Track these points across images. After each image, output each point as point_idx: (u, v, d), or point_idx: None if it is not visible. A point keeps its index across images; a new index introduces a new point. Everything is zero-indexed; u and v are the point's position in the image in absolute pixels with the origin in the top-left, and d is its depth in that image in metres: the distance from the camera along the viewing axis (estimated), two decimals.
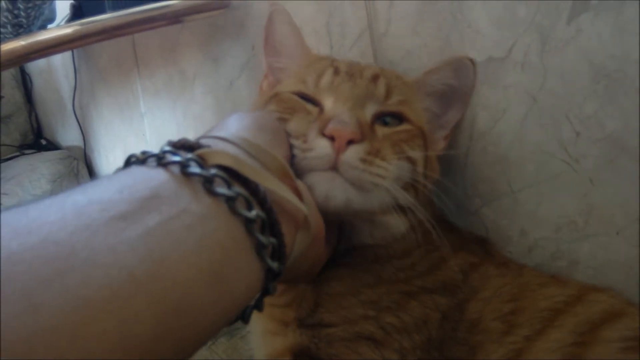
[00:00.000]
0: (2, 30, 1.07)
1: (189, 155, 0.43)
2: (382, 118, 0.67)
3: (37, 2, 1.11)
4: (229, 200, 0.42)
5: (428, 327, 0.63)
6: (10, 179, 2.19)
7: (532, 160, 0.70)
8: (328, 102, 0.67)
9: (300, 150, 0.62)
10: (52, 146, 2.57)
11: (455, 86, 0.73)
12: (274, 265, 0.45)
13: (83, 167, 2.34)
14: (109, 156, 2.15)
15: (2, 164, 2.37)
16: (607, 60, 0.61)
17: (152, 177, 0.41)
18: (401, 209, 0.65)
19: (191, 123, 1.48)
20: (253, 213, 0.43)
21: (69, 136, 2.43)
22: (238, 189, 0.43)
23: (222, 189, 0.42)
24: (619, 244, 0.65)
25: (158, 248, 0.36)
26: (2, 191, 2.13)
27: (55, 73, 2.37)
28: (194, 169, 0.42)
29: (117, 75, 1.81)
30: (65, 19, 1.42)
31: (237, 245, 0.42)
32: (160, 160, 0.43)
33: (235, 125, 0.54)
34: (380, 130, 0.66)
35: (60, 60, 2.24)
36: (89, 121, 2.21)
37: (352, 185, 0.61)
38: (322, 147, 0.61)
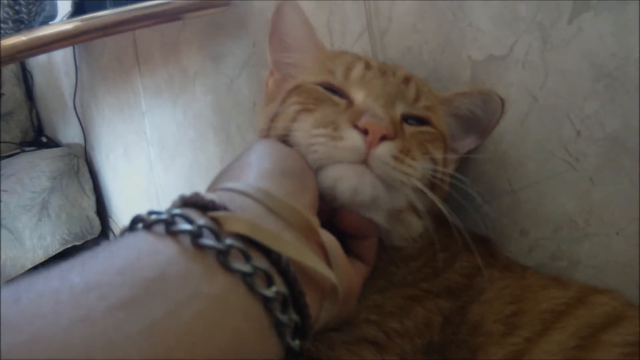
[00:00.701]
0: (3, 25, 1.07)
1: (202, 222, 0.39)
2: (407, 120, 0.66)
3: None
4: (247, 277, 0.38)
5: (430, 330, 0.62)
6: (10, 176, 2.19)
7: (533, 159, 0.70)
8: (358, 96, 0.65)
9: (329, 138, 0.60)
10: (53, 143, 2.58)
11: (479, 117, 0.71)
12: (295, 344, 0.42)
13: (83, 164, 2.34)
14: (110, 155, 2.15)
15: (2, 161, 2.38)
16: (608, 60, 0.61)
17: (158, 250, 0.37)
18: (418, 213, 0.65)
19: (191, 122, 1.48)
20: (273, 290, 0.39)
21: (69, 134, 2.44)
22: (257, 262, 0.39)
23: (238, 264, 0.38)
24: (619, 244, 0.65)
25: (163, 343, 0.32)
26: (2, 188, 2.13)
27: (56, 70, 2.37)
28: (207, 240, 0.38)
29: (118, 73, 1.81)
30: (67, 16, 1.43)
31: (254, 327, 0.38)
32: (169, 226, 0.38)
33: (256, 169, 0.50)
34: (408, 129, 0.65)
35: (62, 58, 2.24)
36: (89, 119, 2.21)
37: (381, 182, 0.59)
38: (353, 138, 0.59)
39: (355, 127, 0.59)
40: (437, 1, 0.75)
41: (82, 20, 0.98)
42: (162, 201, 1.81)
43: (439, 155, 0.66)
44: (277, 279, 0.40)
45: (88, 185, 2.34)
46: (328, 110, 0.64)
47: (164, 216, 0.39)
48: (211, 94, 1.36)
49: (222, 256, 0.38)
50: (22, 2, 1.08)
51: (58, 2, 1.38)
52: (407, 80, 0.69)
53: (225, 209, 0.41)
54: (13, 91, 2.61)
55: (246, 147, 0.57)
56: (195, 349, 0.33)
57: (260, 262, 0.39)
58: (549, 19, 0.64)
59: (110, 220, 2.40)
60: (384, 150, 0.59)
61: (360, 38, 0.89)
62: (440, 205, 0.63)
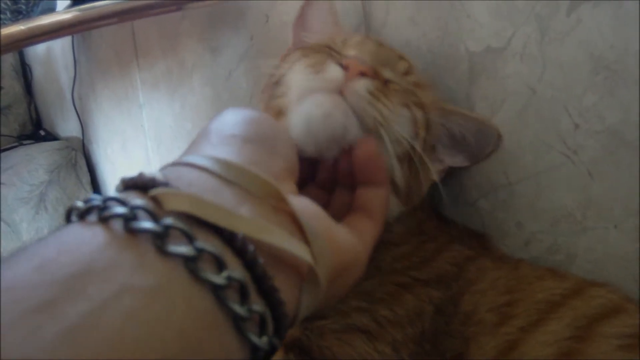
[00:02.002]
0: (2, 16, 1.07)
1: (138, 202, 0.33)
2: None
3: None
4: (189, 262, 0.31)
5: (421, 320, 0.62)
6: (8, 169, 2.19)
7: (530, 152, 0.69)
8: (350, 53, 0.65)
9: (313, 71, 0.62)
10: (51, 137, 2.58)
11: (470, 143, 0.72)
12: (262, 342, 0.34)
13: (81, 157, 2.34)
14: (107, 148, 2.14)
15: (1, 154, 2.38)
16: (607, 52, 0.60)
17: (84, 241, 0.31)
18: (395, 186, 0.65)
19: (188, 114, 1.48)
20: (224, 275, 0.32)
21: (68, 127, 2.43)
22: (203, 243, 0.32)
23: (177, 247, 0.31)
24: (617, 238, 0.64)
25: (82, 351, 0.26)
26: (0, 181, 2.14)
27: (55, 64, 2.37)
28: (142, 222, 0.32)
29: (116, 66, 1.81)
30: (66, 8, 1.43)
31: (202, 323, 0.31)
32: (101, 212, 0.32)
33: (215, 137, 0.44)
34: (392, 86, 0.65)
35: (60, 51, 2.24)
36: (87, 112, 2.21)
37: (353, 114, 0.59)
38: (334, 70, 0.61)
39: (339, 64, 0.61)
40: None
41: (80, 10, 0.98)
42: None
43: (420, 117, 0.66)
44: (232, 261, 0.34)
45: (85, 179, 2.33)
46: (321, 55, 0.65)
47: (96, 202, 0.33)
48: (209, 86, 1.35)
49: (159, 240, 0.31)
50: None
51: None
52: (401, 57, 0.71)
53: (166, 184, 0.35)
54: (12, 85, 2.61)
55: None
56: (124, 355, 0.27)
57: (208, 243, 0.33)
58: (548, 10, 0.64)
59: None
60: (360, 83, 0.59)
61: (358, 31, 0.88)
62: (418, 150, 0.63)
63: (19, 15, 1.10)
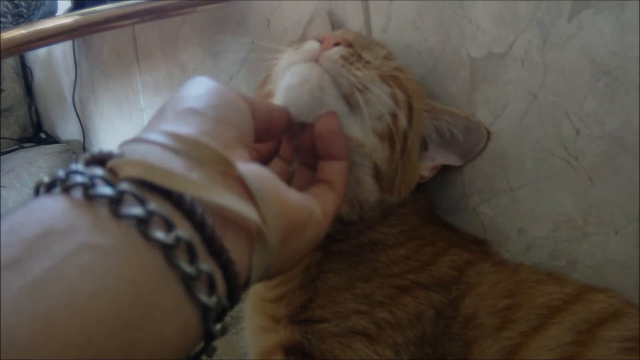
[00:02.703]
0: (3, 19, 1.07)
1: (96, 172, 0.35)
2: None
3: None
4: (140, 223, 0.34)
5: (422, 323, 0.62)
6: (8, 172, 2.19)
7: (531, 158, 0.70)
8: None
9: (292, 50, 0.65)
10: (52, 140, 2.57)
11: (458, 140, 0.73)
12: (211, 301, 0.36)
13: None
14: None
15: (1, 157, 2.38)
16: (608, 58, 0.60)
17: (47, 208, 0.33)
18: (376, 171, 0.66)
19: None
20: (172, 235, 0.34)
21: (68, 130, 2.43)
22: (153, 205, 0.34)
23: (130, 209, 0.34)
24: (618, 244, 0.64)
25: (44, 302, 0.29)
26: (1, 184, 2.14)
27: (56, 66, 2.37)
28: (99, 188, 0.34)
29: (117, 69, 1.81)
30: (67, 12, 1.42)
31: (153, 280, 0.33)
32: (64, 183, 0.35)
33: (169, 112, 0.45)
34: (371, 65, 0.66)
35: (61, 54, 2.24)
36: (88, 115, 2.21)
37: (329, 77, 0.61)
38: (310, 44, 0.65)
39: (316, 40, 0.64)
40: None
41: (81, 14, 0.98)
42: None
43: (401, 97, 0.66)
44: (182, 222, 0.36)
45: None
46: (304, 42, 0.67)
47: (60, 175, 0.35)
48: None
49: (114, 204, 0.33)
50: None
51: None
52: (381, 46, 0.73)
53: (121, 156, 0.37)
54: (12, 87, 2.61)
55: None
56: (83, 309, 0.29)
57: (159, 205, 0.35)
58: (549, 16, 0.64)
59: None
60: (334, 50, 0.62)
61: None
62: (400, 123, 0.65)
63: (20, 18, 1.09)
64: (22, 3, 1.08)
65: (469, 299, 0.64)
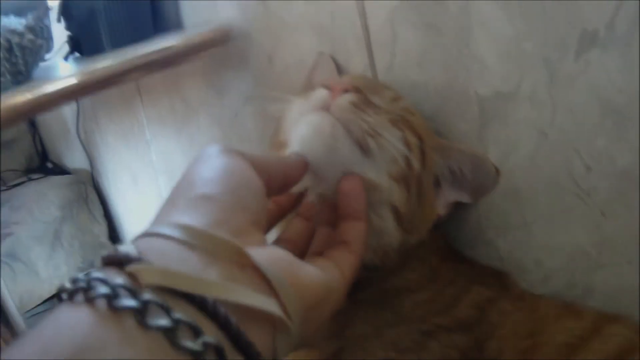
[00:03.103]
0: (2, 79, 1.07)
1: (118, 281, 0.36)
2: None
3: (35, 49, 1.11)
4: (168, 333, 0.35)
5: None
6: (19, 207, 2.19)
7: (545, 194, 0.71)
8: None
9: (302, 100, 0.67)
10: (59, 169, 2.58)
11: (468, 178, 0.73)
12: None
13: (92, 191, 2.35)
14: (117, 182, 2.15)
15: (10, 191, 2.38)
16: (616, 96, 0.61)
17: (76, 323, 0.34)
18: (396, 214, 0.66)
19: (198, 151, 1.48)
20: (200, 341, 0.35)
21: (75, 159, 2.44)
22: (179, 313, 0.36)
23: (157, 320, 0.35)
24: (631, 273, 0.66)
25: None
26: (13, 220, 2.14)
27: None
28: (124, 300, 0.35)
29: (119, 101, 1.81)
30: (64, 52, 1.43)
31: None
32: (87, 292, 0.36)
33: (181, 200, 0.46)
34: (380, 110, 0.68)
35: None
36: (94, 146, 2.22)
37: (341, 125, 0.62)
38: (320, 92, 0.66)
39: (325, 87, 0.66)
40: (441, 37, 0.76)
41: (84, 74, 0.98)
42: None
43: (413, 140, 0.67)
44: (207, 325, 0.37)
45: (98, 212, 2.35)
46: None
47: (82, 283, 0.36)
48: (216, 126, 1.36)
49: (139, 315, 0.34)
50: (17, 54, 1.07)
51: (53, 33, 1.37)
52: (387, 87, 0.75)
53: (140, 259, 0.38)
54: None
55: (192, 160, 0.53)
56: None
57: (183, 312, 0.36)
58: (556, 55, 0.65)
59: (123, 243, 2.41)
60: (343, 97, 0.64)
61: (365, 72, 0.90)
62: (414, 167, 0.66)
63: (19, 75, 1.09)
64: (20, 61, 1.08)
65: (492, 342, 0.66)
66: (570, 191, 0.68)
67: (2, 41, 1.04)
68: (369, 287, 0.70)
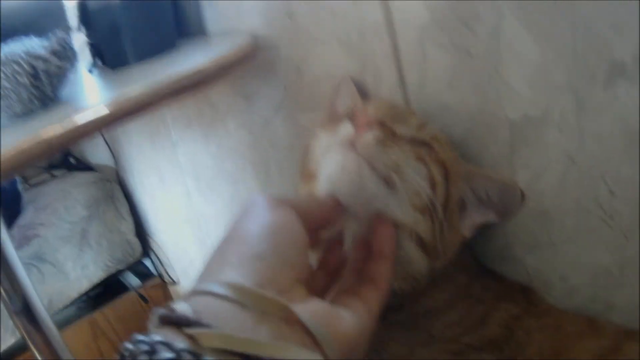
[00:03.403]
0: (29, 105, 1.08)
1: (180, 345, 0.40)
2: None
3: (61, 73, 1.11)
4: None
5: None
6: (44, 208, 2.19)
7: (571, 215, 0.74)
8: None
9: (330, 133, 0.70)
10: (82, 165, 2.57)
11: (494, 203, 0.76)
12: None
13: (117, 188, 2.36)
14: (144, 180, 2.16)
15: (33, 190, 2.37)
16: None
17: None
18: (422, 243, 0.69)
19: (226, 155, 1.50)
20: None
21: (98, 154, 2.44)
22: None
23: None
24: None
25: None
26: (38, 221, 2.15)
27: None
28: None
29: None
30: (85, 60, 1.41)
31: None
32: (151, 355, 0.40)
33: (234, 258, 0.52)
34: (404, 142, 0.70)
35: None
36: (118, 143, 2.22)
37: (366, 163, 0.65)
38: (345, 127, 0.68)
39: (350, 121, 0.68)
40: (471, 60, 0.77)
41: (114, 104, 0.98)
42: (204, 229, 1.86)
43: (437, 173, 0.70)
44: None
45: (125, 209, 2.36)
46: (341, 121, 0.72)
47: (145, 346, 0.40)
48: (245, 131, 1.38)
49: None
50: (44, 79, 1.07)
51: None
52: (412, 113, 0.78)
53: (198, 322, 0.43)
54: None
55: (241, 210, 0.59)
56: None
57: None
58: (584, 84, 0.66)
59: (151, 240, 2.42)
60: (368, 134, 0.66)
61: (395, 92, 0.91)
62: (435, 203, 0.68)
63: (46, 99, 1.09)
64: (46, 85, 1.08)
65: None
66: (596, 214, 0.71)
67: (26, 67, 1.03)
68: (400, 309, 0.73)
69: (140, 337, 0.41)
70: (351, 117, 0.70)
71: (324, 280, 0.66)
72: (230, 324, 0.44)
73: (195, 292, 0.48)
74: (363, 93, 0.95)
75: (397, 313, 0.73)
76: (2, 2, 1.27)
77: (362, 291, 0.60)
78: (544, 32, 0.68)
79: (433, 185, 0.69)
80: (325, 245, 0.69)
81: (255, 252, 0.52)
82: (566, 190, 0.73)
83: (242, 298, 0.46)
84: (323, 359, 0.47)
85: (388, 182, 0.66)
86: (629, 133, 0.65)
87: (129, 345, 0.41)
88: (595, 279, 0.75)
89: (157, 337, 0.41)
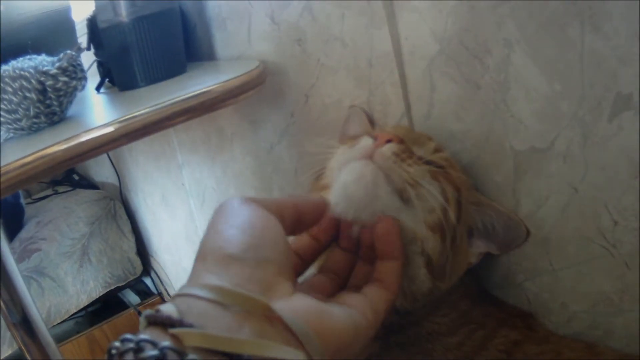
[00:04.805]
0: (36, 120, 1.09)
1: (165, 344, 0.42)
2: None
3: (69, 90, 1.10)
4: None
5: None
6: (47, 224, 2.22)
7: (573, 244, 0.75)
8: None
9: (349, 146, 0.72)
10: (85, 182, 2.60)
11: (499, 235, 0.78)
12: None
13: (120, 207, 2.38)
14: (147, 199, 2.17)
15: (36, 205, 2.39)
16: None
17: None
18: (428, 261, 0.70)
19: (231, 180, 1.52)
20: None
21: (102, 172, 2.45)
22: None
23: None
24: None
25: None
26: (40, 236, 2.16)
27: None
28: None
29: None
30: (97, 84, 1.42)
31: None
32: (136, 354, 0.42)
33: (211, 260, 0.52)
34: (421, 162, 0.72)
35: None
36: (123, 162, 2.24)
37: (383, 174, 0.67)
38: (364, 140, 0.71)
39: (370, 136, 0.70)
40: (479, 91, 0.79)
41: (122, 122, 0.99)
42: None
43: (451, 194, 0.72)
44: None
45: (127, 227, 2.38)
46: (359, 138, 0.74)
47: (131, 344, 0.42)
48: (250, 156, 1.39)
49: None
50: (52, 96, 1.08)
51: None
52: (430, 139, 0.79)
53: (181, 322, 0.44)
54: None
55: (215, 213, 0.59)
56: None
57: None
58: (590, 116, 0.68)
59: (152, 259, 2.42)
60: (387, 147, 0.68)
61: (402, 120, 0.93)
62: (451, 218, 0.70)
63: (54, 116, 1.11)
64: (54, 102, 1.09)
65: None
66: (597, 243, 0.72)
67: (34, 83, 1.05)
68: (401, 331, 0.74)
69: (128, 336, 0.43)
70: (372, 133, 0.72)
71: (331, 285, 0.66)
72: (214, 323, 0.45)
73: (179, 295, 0.49)
74: (372, 122, 0.97)
75: (398, 335, 0.74)
76: (13, 18, 1.28)
77: (367, 290, 0.61)
78: (551, 65, 0.69)
79: (446, 205, 0.70)
80: (333, 249, 0.70)
81: (230, 253, 0.52)
82: (568, 219, 0.74)
83: (223, 299, 0.47)
84: (306, 357, 0.48)
85: (403, 196, 0.67)
86: (632, 163, 0.66)
87: (116, 344, 0.43)
88: (595, 306, 0.76)
89: (143, 336, 0.43)
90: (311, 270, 0.69)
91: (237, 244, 0.53)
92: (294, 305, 0.50)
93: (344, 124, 0.97)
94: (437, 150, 0.77)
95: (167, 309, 0.46)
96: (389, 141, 0.70)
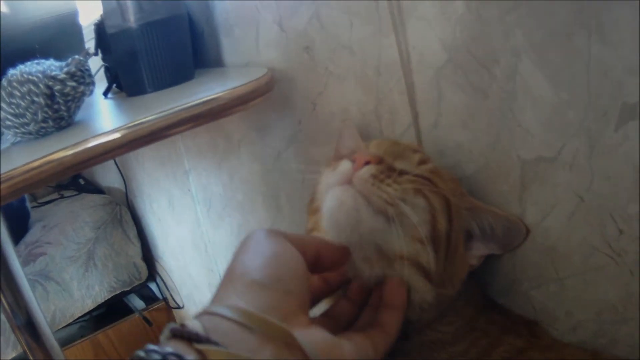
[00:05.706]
0: (44, 125, 1.10)
1: (191, 358, 0.44)
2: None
3: (77, 95, 1.11)
4: None
5: None
6: (52, 228, 2.23)
7: (578, 252, 0.76)
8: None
9: (331, 170, 0.73)
10: (91, 187, 2.61)
11: (498, 237, 0.79)
12: None
13: (126, 212, 2.39)
14: (153, 204, 2.18)
15: (42, 209, 2.40)
16: None
17: None
18: (425, 272, 0.71)
19: (238, 186, 1.52)
20: None
21: (108, 177, 2.47)
22: None
23: None
24: None
25: None
26: (46, 240, 2.17)
27: None
28: None
29: None
30: (105, 89, 1.42)
31: None
32: None
33: (239, 284, 0.55)
34: (405, 177, 0.73)
35: None
36: (129, 168, 2.24)
37: (362, 197, 0.68)
38: (343, 165, 0.72)
39: (349, 159, 0.72)
40: (486, 100, 0.80)
41: (129, 128, 0.99)
42: (212, 256, 1.87)
43: (437, 203, 0.73)
44: None
45: (132, 232, 2.40)
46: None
47: (157, 356, 0.44)
48: (257, 163, 1.40)
49: None
50: (59, 101, 1.08)
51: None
52: (415, 151, 0.80)
53: (208, 339, 0.46)
54: None
55: (242, 242, 0.62)
56: None
57: None
58: (596, 125, 0.68)
59: (157, 264, 2.43)
60: (364, 170, 0.70)
61: (409, 129, 0.94)
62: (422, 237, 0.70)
63: (61, 121, 1.11)
64: (62, 107, 1.10)
65: None
66: (603, 251, 0.73)
67: (42, 88, 1.06)
68: (406, 339, 0.75)
69: (153, 347, 0.45)
70: (351, 156, 0.73)
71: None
72: (237, 344, 0.48)
73: (206, 313, 0.52)
74: (364, 136, 0.97)
75: (403, 342, 0.74)
76: (21, 22, 1.29)
77: (372, 332, 0.65)
78: (558, 74, 0.70)
79: (434, 216, 0.72)
80: (340, 298, 0.73)
81: (258, 281, 0.55)
82: (574, 228, 0.75)
83: (248, 321, 0.50)
84: None
85: (385, 216, 0.69)
86: (638, 172, 0.66)
87: (142, 354, 0.44)
88: (600, 314, 0.76)
89: (168, 349, 0.44)
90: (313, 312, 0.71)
91: (264, 272, 0.56)
92: (312, 336, 0.53)
93: (337, 140, 0.98)
94: (422, 162, 0.78)
95: (194, 325, 0.48)
96: (367, 163, 0.71)
